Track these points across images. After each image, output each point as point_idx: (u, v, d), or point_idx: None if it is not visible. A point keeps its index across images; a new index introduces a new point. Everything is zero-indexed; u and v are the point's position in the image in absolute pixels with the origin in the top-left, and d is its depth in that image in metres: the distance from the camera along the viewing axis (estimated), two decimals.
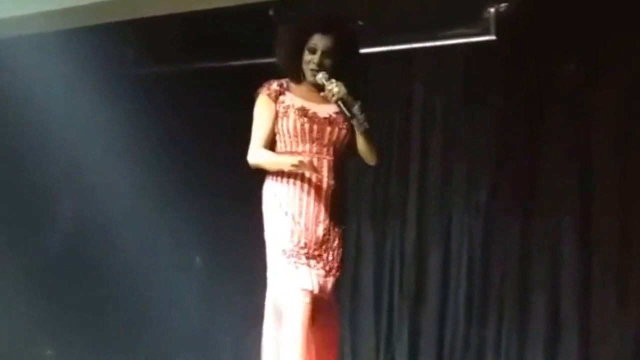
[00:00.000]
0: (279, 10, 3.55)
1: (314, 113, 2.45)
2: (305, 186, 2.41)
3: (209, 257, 3.89)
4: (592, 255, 3.06)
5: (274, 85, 2.50)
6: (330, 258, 2.43)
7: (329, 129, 2.44)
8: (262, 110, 2.49)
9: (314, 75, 2.41)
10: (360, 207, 3.57)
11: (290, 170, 2.39)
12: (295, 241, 2.38)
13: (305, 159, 2.35)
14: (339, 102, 2.35)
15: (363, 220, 3.56)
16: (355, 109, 2.36)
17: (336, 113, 2.44)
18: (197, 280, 3.87)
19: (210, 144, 3.87)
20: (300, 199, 2.41)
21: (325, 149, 2.44)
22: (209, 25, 3.69)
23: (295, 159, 2.36)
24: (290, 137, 2.45)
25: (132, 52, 3.97)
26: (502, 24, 3.34)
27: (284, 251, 2.38)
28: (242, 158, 3.82)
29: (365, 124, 2.38)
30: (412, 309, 3.39)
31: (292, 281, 2.33)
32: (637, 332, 2.94)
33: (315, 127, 2.43)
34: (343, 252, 2.48)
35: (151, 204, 3.72)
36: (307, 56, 2.42)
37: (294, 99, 2.47)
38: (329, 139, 2.44)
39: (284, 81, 2.49)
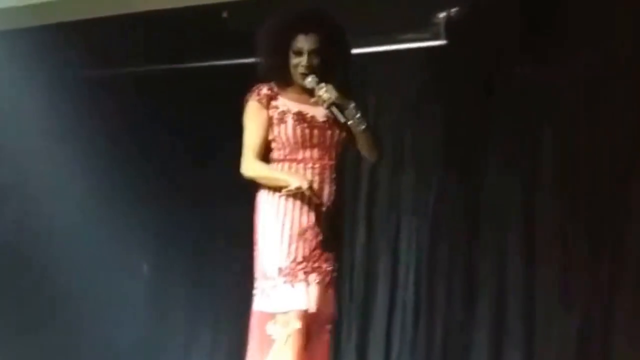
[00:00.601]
0: (232, 12, 3.58)
1: (313, 117, 2.35)
2: (306, 196, 2.28)
3: (157, 265, 3.83)
4: (535, 260, 3.10)
5: (264, 90, 2.38)
6: (328, 267, 2.32)
7: (329, 132, 2.35)
8: (254, 118, 2.37)
9: (304, 79, 2.32)
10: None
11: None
12: (292, 257, 2.27)
13: (304, 184, 2.22)
14: (332, 108, 2.28)
15: None
16: (349, 111, 2.28)
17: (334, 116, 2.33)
18: (145, 288, 3.82)
19: (158, 149, 3.84)
20: (300, 209, 2.29)
21: (327, 154, 2.35)
22: (159, 26, 3.67)
23: (294, 183, 2.22)
24: (290, 144, 2.34)
25: (78, 54, 3.90)
26: (452, 28, 3.40)
27: (280, 270, 2.27)
28: (191, 163, 3.86)
29: (362, 124, 2.30)
30: (360, 311, 3.39)
31: (286, 303, 2.24)
32: (580, 335, 2.99)
33: (315, 131, 2.33)
34: (340, 254, 2.42)
35: (97, 210, 3.66)
36: (294, 59, 2.32)
37: (287, 103, 2.36)
38: (330, 142, 2.35)
39: (273, 85, 2.38)
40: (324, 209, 2.32)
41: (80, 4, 3.60)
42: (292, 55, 2.32)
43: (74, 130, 3.62)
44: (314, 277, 2.28)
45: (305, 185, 2.24)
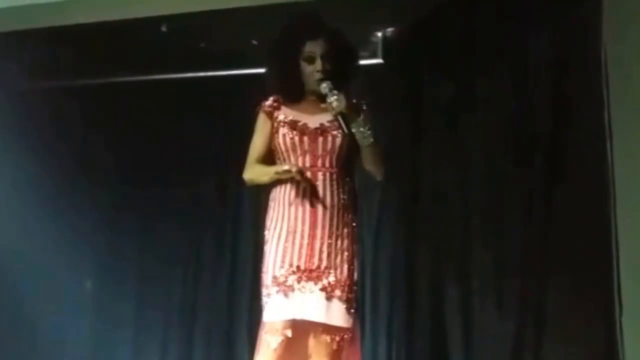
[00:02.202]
0: (172, 25, 3.65)
1: (304, 124, 2.40)
2: (300, 203, 2.32)
3: (100, 281, 3.83)
4: (471, 272, 3.33)
5: (269, 101, 2.48)
6: (332, 280, 2.29)
7: (320, 139, 2.38)
8: (258, 129, 2.48)
9: (320, 85, 2.36)
10: (258, 224, 3.66)
11: (280, 179, 2.32)
12: (287, 265, 2.29)
13: (293, 167, 2.28)
14: (338, 117, 2.32)
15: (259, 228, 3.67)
16: (356, 123, 2.32)
17: (329, 122, 2.39)
18: (89, 306, 3.80)
19: (100, 162, 3.87)
20: (295, 217, 2.32)
21: (319, 161, 2.37)
22: (96, 39, 3.69)
23: (282, 167, 2.31)
24: (282, 152, 2.42)
25: (11, 66, 3.86)
26: (389, 48, 3.61)
27: (274, 278, 2.30)
28: (135, 175, 3.87)
29: (368, 139, 2.34)
30: None
31: (276, 312, 2.26)
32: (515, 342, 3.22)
33: (305, 138, 2.38)
34: (353, 270, 2.35)
35: (37, 226, 3.62)
36: (306, 68, 2.39)
37: (286, 112, 2.45)
38: (323, 150, 2.37)
39: (279, 97, 2.47)
40: (322, 216, 2.33)
41: (16, 16, 3.58)
42: (303, 64, 2.39)
43: (15, 142, 3.59)
44: (310, 287, 2.28)
45: (294, 169, 2.29)
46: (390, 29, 3.64)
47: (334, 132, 2.39)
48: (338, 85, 2.37)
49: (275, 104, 2.48)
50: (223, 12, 3.44)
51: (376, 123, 3.45)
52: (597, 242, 2.88)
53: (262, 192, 3.48)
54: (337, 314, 2.30)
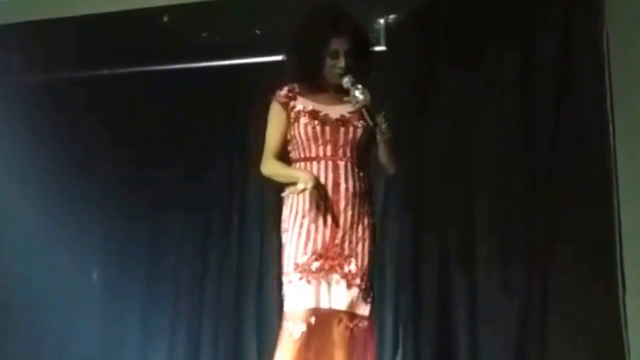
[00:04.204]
0: (173, 15, 3.74)
1: (326, 115, 2.47)
2: (323, 194, 2.38)
3: (107, 272, 3.90)
4: (475, 254, 3.45)
5: (284, 91, 2.52)
6: (353, 269, 2.37)
7: (342, 129, 2.46)
8: (272, 119, 2.52)
9: (341, 79, 2.44)
10: (265, 209, 3.79)
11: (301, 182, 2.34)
12: (310, 252, 2.36)
13: (308, 183, 2.32)
14: (363, 110, 2.40)
15: (267, 221, 3.78)
16: (379, 118, 2.40)
17: (350, 113, 2.46)
18: (95, 297, 3.88)
19: (106, 152, 3.95)
20: (317, 209, 2.37)
21: (340, 151, 2.45)
22: (99, 30, 3.77)
23: (300, 182, 2.33)
24: (302, 141, 2.46)
25: (14, 58, 3.95)
26: (392, 34, 3.71)
27: (296, 265, 2.36)
28: (135, 167, 3.97)
29: (387, 134, 2.42)
30: None
31: (298, 300, 2.31)
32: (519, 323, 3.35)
33: (327, 128, 2.45)
34: (371, 259, 2.43)
35: (41, 217, 3.70)
36: (329, 62, 2.46)
37: (305, 102, 2.49)
38: (344, 140, 2.45)
39: (295, 86, 2.52)
40: (342, 207, 2.40)
41: (16, 7, 3.65)
42: (327, 57, 2.47)
43: (19, 134, 3.67)
44: (333, 275, 2.36)
45: (309, 184, 2.36)
46: (393, 16, 3.73)
47: (355, 124, 2.47)
48: (357, 80, 2.46)
49: (290, 94, 2.52)
50: (225, 2, 3.54)
51: (381, 110, 3.68)
52: (600, 224, 2.98)
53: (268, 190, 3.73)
54: (356, 302, 2.39)
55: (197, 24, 3.78)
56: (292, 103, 2.52)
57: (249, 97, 3.84)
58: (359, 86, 2.43)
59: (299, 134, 2.49)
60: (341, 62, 2.46)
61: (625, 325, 2.58)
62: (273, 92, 2.55)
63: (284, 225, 2.49)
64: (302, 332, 2.30)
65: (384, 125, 2.43)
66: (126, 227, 3.91)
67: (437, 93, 3.64)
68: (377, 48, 3.61)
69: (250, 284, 3.82)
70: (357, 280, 2.39)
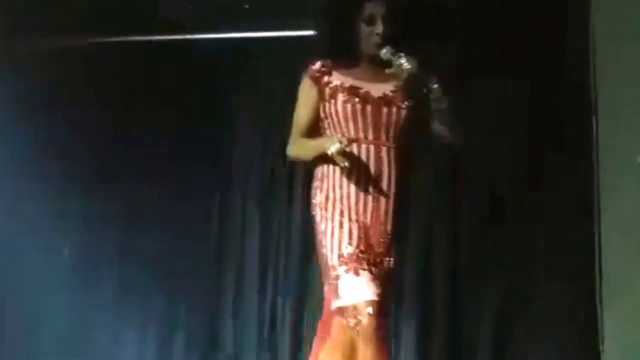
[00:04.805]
0: None
1: (367, 92, 2.25)
2: (363, 180, 2.20)
3: (79, 249, 3.88)
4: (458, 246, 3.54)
5: (317, 65, 2.32)
6: (391, 263, 2.24)
7: (385, 109, 2.24)
8: (302, 96, 2.32)
9: (379, 49, 2.21)
10: (248, 190, 3.84)
11: (336, 156, 2.12)
12: (355, 243, 2.17)
13: (334, 147, 2.10)
14: (411, 78, 2.16)
15: (250, 206, 3.84)
16: (432, 84, 2.18)
17: (393, 91, 2.25)
18: (68, 277, 3.84)
19: (82, 127, 3.89)
20: (357, 195, 2.20)
21: (383, 135, 2.24)
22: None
23: (333, 144, 2.10)
24: (339, 121, 2.25)
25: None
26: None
27: (341, 257, 2.18)
28: (112, 143, 3.90)
29: (445, 101, 2.19)
30: (295, 291, 3.70)
31: (350, 294, 2.13)
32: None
33: (368, 107, 2.24)
34: (396, 247, 2.26)
35: (14, 197, 3.68)
36: (365, 29, 2.24)
37: (342, 77, 2.28)
38: (387, 121, 2.23)
39: (329, 60, 2.30)
40: (384, 195, 2.22)
41: None
42: (362, 25, 2.25)
43: None
44: (376, 271, 2.19)
45: (334, 149, 2.12)
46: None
47: (399, 104, 2.26)
48: (398, 50, 2.22)
49: (324, 68, 2.30)
50: None
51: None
52: (580, 220, 3.04)
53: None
54: (389, 299, 2.27)
55: None
56: (326, 78, 2.31)
57: (232, 74, 3.86)
58: (402, 54, 2.20)
59: (336, 112, 2.27)
60: (379, 28, 2.23)
61: (602, 318, 2.65)
62: (305, 67, 2.34)
63: (321, 212, 2.28)
64: (355, 326, 2.13)
65: (436, 91, 2.19)
66: (101, 207, 3.89)
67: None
68: None
69: (230, 262, 3.85)
70: (389, 275, 2.25)
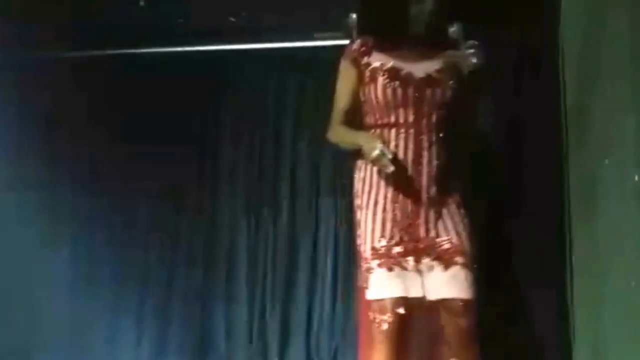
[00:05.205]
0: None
1: (408, 74, 2.13)
2: (400, 167, 2.08)
3: (79, 248, 3.96)
4: None
5: (355, 45, 2.21)
6: (447, 246, 2.08)
7: (428, 90, 2.12)
8: (341, 79, 2.22)
9: (431, 27, 2.09)
10: (235, 194, 3.97)
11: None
12: (389, 235, 2.09)
13: (386, 151, 2.00)
14: (475, 72, 2.08)
15: (237, 208, 3.97)
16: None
17: (439, 70, 2.14)
18: (66, 273, 3.93)
19: (75, 128, 4.00)
20: (394, 183, 2.09)
21: (424, 118, 2.12)
22: (75, 14, 3.82)
23: (368, 150, 2.00)
24: (379, 105, 2.14)
25: None
26: (364, 28, 3.87)
27: (374, 250, 2.11)
28: (106, 144, 4.00)
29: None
30: (283, 289, 3.83)
31: (381, 289, 2.06)
32: None
33: (410, 90, 2.12)
34: (469, 235, 2.12)
35: (10, 194, 3.73)
36: (413, 7, 2.13)
37: (382, 58, 2.16)
38: (431, 104, 2.12)
39: (369, 39, 2.20)
40: (424, 182, 2.11)
41: None
42: (411, 2, 2.14)
43: None
44: (422, 260, 2.08)
45: (374, 154, 2.02)
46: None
47: (444, 84, 2.14)
48: (443, 28, 2.13)
49: (363, 49, 2.20)
50: None
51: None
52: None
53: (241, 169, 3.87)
54: (460, 285, 2.11)
55: (172, 9, 3.88)
56: (365, 59, 2.19)
57: (222, 81, 4.00)
58: (471, 43, 2.12)
59: (376, 96, 2.15)
60: (429, 5, 2.09)
61: (572, 304, 2.71)
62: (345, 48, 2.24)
63: (357, 201, 2.21)
64: (390, 323, 2.06)
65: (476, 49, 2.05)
66: (95, 205, 3.97)
67: None
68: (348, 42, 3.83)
69: (220, 260, 3.96)
70: (459, 259, 2.11)
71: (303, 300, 3.81)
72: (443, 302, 2.11)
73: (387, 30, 2.18)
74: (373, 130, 2.20)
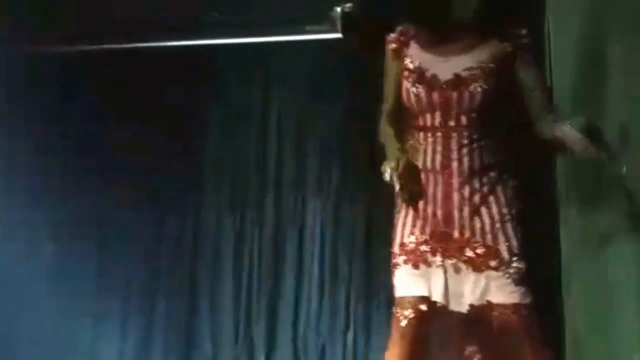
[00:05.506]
0: None
1: (434, 76, 2.01)
2: (430, 171, 2.03)
3: (61, 247, 3.90)
4: None
5: (395, 34, 2.11)
6: (481, 251, 1.98)
7: (455, 94, 1.98)
8: (386, 69, 2.14)
9: (481, 12, 1.93)
10: (221, 193, 3.93)
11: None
12: (418, 232, 2.04)
13: (385, 175, 1.93)
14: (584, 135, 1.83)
15: (223, 207, 3.93)
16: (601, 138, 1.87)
17: (469, 69, 1.98)
18: (48, 274, 3.88)
19: (53, 125, 3.95)
20: (427, 182, 2.02)
21: (453, 119, 2.00)
22: (52, 8, 3.77)
23: (384, 170, 1.94)
24: (408, 108, 2.07)
25: None
26: (348, 22, 3.86)
27: (402, 245, 2.08)
28: (92, 148, 3.97)
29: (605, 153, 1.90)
30: (270, 287, 3.80)
31: (405, 286, 2.04)
32: None
33: (435, 94, 2.00)
34: (514, 235, 2.01)
35: None
36: None
37: (415, 53, 2.05)
38: (458, 107, 1.99)
39: (409, 28, 2.08)
40: (456, 185, 2.02)
41: None
42: None
43: None
44: (451, 263, 2.00)
45: (385, 176, 1.97)
46: (348, 4, 3.88)
47: (473, 87, 1.99)
48: (495, 14, 1.96)
49: (402, 38, 2.09)
50: None
51: (335, 97, 3.86)
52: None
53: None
54: (495, 289, 2.00)
55: (151, 4, 3.83)
56: (404, 51, 2.09)
57: (204, 78, 3.96)
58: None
59: (405, 97, 2.08)
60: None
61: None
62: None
63: (398, 204, 2.17)
64: (410, 320, 2.02)
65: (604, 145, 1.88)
66: (76, 206, 3.93)
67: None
68: (334, 35, 3.82)
69: (205, 261, 3.93)
70: (493, 263, 1.99)
71: (289, 299, 3.79)
72: (472, 307, 2.04)
73: (430, 17, 2.04)
74: (413, 132, 2.13)
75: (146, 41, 4.01)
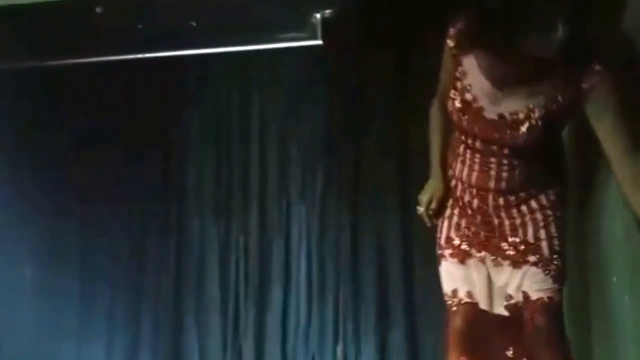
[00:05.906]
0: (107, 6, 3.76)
1: (479, 109, 1.86)
2: (465, 178, 2.03)
3: (41, 269, 3.87)
4: (413, 248, 3.61)
5: (455, 28, 1.86)
6: (522, 248, 1.98)
7: (496, 134, 1.86)
8: (444, 59, 1.98)
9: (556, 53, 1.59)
10: (204, 202, 3.90)
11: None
12: (463, 226, 2.07)
13: (419, 209, 2.15)
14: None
15: (207, 216, 3.90)
16: None
17: (516, 114, 1.80)
18: (29, 295, 3.84)
19: (38, 145, 3.93)
20: (463, 192, 2.05)
21: (495, 146, 1.91)
22: (29, 20, 3.74)
23: (419, 201, 2.14)
24: (451, 118, 1.96)
25: None
26: (327, 29, 3.86)
27: (448, 239, 2.11)
28: (72, 161, 3.94)
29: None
30: (257, 298, 3.77)
31: (453, 279, 2.07)
32: None
33: (476, 128, 1.89)
34: (551, 234, 1.98)
35: None
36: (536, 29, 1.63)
37: (469, 72, 1.85)
38: (500, 143, 1.89)
39: (475, 29, 1.75)
40: (491, 206, 2.00)
41: None
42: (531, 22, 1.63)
43: None
44: (490, 257, 2.03)
45: (419, 210, 2.15)
46: (329, 11, 3.88)
47: (515, 131, 1.83)
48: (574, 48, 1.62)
49: (461, 39, 1.83)
50: None
51: (316, 104, 3.86)
52: None
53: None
54: (531, 281, 1.99)
55: (131, 15, 3.81)
56: (461, 57, 1.88)
57: (183, 88, 3.93)
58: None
59: (449, 106, 1.94)
60: (560, 32, 1.55)
61: None
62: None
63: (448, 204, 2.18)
64: (462, 312, 2.05)
65: None
66: (57, 222, 3.89)
67: (373, 86, 3.80)
68: (313, 42, 3.82)
69: (190, 272, 3.89)
70: (531, 257, 1.99)
71: (277, 309, 3.76)
72: (509, 301, 2.05)
73: (488, 44, 1.73)
74: (455, 144, 2.08)
75: (127, 52, 3.98)
